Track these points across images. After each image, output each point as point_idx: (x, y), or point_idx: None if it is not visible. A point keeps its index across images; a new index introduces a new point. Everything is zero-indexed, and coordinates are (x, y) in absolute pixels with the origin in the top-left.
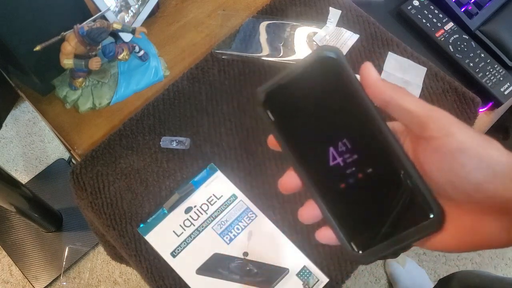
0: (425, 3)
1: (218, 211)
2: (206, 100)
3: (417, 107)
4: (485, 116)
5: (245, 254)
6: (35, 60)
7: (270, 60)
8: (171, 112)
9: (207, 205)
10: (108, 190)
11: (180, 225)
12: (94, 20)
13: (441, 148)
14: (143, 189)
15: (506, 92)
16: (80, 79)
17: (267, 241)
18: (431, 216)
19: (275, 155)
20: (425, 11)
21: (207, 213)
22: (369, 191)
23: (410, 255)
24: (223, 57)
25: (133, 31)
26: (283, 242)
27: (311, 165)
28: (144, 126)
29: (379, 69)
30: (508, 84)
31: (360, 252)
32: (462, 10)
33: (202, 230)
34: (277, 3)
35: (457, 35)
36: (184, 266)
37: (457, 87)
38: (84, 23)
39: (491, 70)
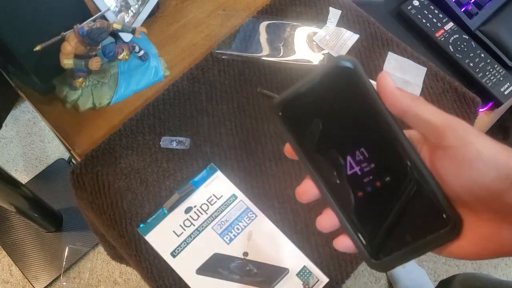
0: (425, 3)
1: (218, 211)
2: (206, 100)
3: (434, 116)
4: (485, 116)
5: (245, 254)
6: (35, 60)
7: (270, 60)
8: (171, 112)
9: (207, 205)
10: (108, 190)
11: (180, 225)
12: (94, 20)
13: (458, 157)
14: (143, 189)
15: (506, 92)
16: (80, 79)
17: (267, 241)
18: (449, 224)
19: (275, 155)
20: (425, 11)
21: (207, 213)
22: (386, 199)
23: None
24: (223, 57)
25: (133, 31)
26: (283, 242)
27: (328, 174)
28: (144, 126)
29: (379, 69)
30: (508, 84)
31: (378, 260)
32: (462, 10)
33: (202, 230)
34: (277, 3)
35: (457, 35)
36: (184, 266)
37: (457, 87)
38: (84, 23)
39: (491, 70)
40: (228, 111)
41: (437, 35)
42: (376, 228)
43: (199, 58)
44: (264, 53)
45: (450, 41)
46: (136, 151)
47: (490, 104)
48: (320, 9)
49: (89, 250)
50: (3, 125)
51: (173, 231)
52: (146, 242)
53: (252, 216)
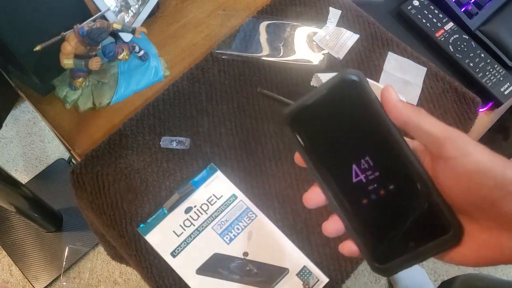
0: (425, 3)
1: (218, 211)
2: (206, 100)
3: (435, 128)
4: (485, 116)
5: (245, 254)
6: (35, 60)
7: (270, 60)
8: (171, 112)
9: (207, 205)
10: (108, 190)
11: (180, 225)
12: (94, 20)
13: (458, 168)
14: (143, 189)
15: (506, 92)
16: (80, 79)
17: (267, 241)
18: (450, 231)
19: (275, 155)
20: (425, 11)
21: (207, 213)
22: (390, 206)
23: None
24: (223, 57)
25: (133, 31)
26: (283, 242)
27: (335, 182)
28: (144, 126)
29: (379, 69)
30: (508, 84)
31: (382, 265)
32: (462, 10)
33: (202, 230)
34: (277, 3)
35: (457, 35)
36: (184, 266)
37: (457, 87)
38: (84, 23)
39: (491, 70)
40: (228, 111)
41: (437, 35)
42: (380, 234)
43: (199, 58)
44: (264, 53)
45: (450, 41)
46: (136, 151)
47: (490, 104)
48: (320, 9)
49: (89, 250)
50: (3, 125)
51: (173, 231)
52: (146, 242)
53: (252, 216)
